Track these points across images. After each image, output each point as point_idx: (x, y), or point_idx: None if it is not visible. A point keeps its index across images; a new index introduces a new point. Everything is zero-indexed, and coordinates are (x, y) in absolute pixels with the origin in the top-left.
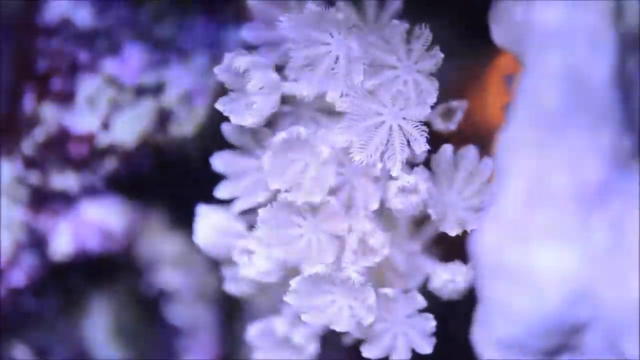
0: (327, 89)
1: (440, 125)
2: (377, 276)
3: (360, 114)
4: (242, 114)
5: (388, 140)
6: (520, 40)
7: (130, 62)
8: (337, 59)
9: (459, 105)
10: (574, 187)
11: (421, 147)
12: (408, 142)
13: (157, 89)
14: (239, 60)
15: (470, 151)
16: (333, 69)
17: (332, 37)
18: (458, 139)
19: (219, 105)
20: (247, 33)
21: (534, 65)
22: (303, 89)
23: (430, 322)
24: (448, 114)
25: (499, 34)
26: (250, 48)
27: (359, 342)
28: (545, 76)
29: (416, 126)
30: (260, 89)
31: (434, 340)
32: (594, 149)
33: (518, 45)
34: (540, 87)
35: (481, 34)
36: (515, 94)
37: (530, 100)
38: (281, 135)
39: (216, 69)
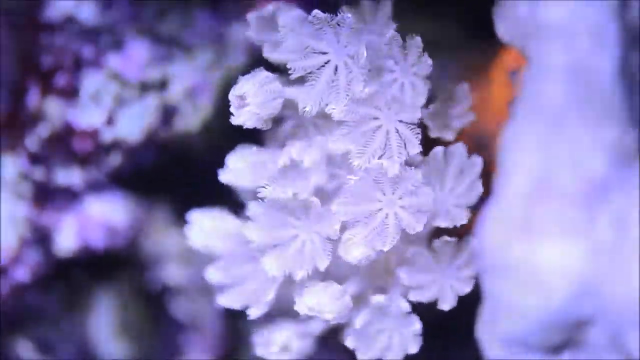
0: (328, 101)
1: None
2: (375, 277)
3: (356, 120)
4: (238, 115)
5: (385, 144)
6: (524, 35)
7: (135, 58)
8: (336, 69)
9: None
10: (577, 183)
11: (415, 148)
12: (405, 144)
13: (161, 85)
14: (245, 87)
15: (459, 148)
16: (333, 81)
17: (331, 46)
18: (462, 134)
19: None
20: (251, 33)
21: (538, 61)
22: (306, 103)
23: (415, 325)
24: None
25: (503, 29)
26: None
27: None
28: (550, 71)
29: (411, 129)
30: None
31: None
32: (597, 145)
33: (522, 41)
34: (544, 83)
35: (485, 29)
36: (519, 89)
37: (534, 95)
38: None
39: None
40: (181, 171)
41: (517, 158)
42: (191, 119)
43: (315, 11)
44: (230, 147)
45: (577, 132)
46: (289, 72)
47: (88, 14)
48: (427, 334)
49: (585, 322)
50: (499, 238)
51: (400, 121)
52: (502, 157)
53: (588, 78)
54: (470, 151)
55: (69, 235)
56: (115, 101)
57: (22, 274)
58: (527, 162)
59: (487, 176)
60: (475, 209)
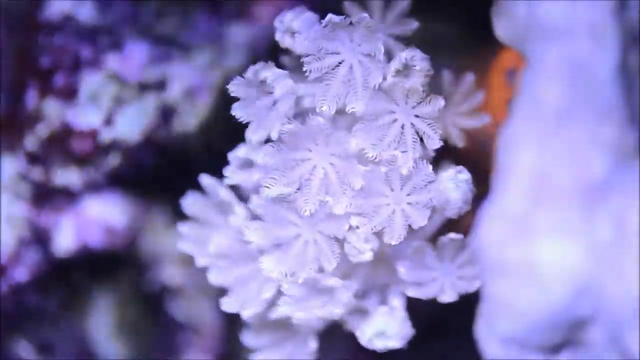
0: (346, 101)
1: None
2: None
3: (372, 113)
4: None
5: (400, 138)
6: (523, 35)
7: (133, 58)
8: (351, 67)
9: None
10: (576, 182)
11: (435, 144)
12: (421, 139)
13: (159, 85)
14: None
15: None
16: (349, 80)
17: (344, 45)
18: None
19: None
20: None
21: (536, 60)
22: (322, 105)
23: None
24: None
25: (502, 29)
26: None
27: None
28: (548, 71)
29: (429, 123)
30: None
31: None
32: (596, 144)
33: (521, 41)
34: (543, 82)
35: (484, 29)
36: (518, 89)
37: (532, 95)
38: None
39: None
40: (180, 171)
41: (516, 157)
42: (190, 120)
43: (330, 15)
44: (228, 147)
45: (576, 132)
46: (305, 73)
47: (87, 14)
48: (426, 333)
49: (584, 322)
50: (498, 237)
51: (417, 116)
52: (501, 156)
53: (587, 78)
54: (470, 151)
55: (67, 235)
56: (114, 101)
57: (20, 274)
58: (526, 161)
59: (486, 175)
60: (475, 208)
